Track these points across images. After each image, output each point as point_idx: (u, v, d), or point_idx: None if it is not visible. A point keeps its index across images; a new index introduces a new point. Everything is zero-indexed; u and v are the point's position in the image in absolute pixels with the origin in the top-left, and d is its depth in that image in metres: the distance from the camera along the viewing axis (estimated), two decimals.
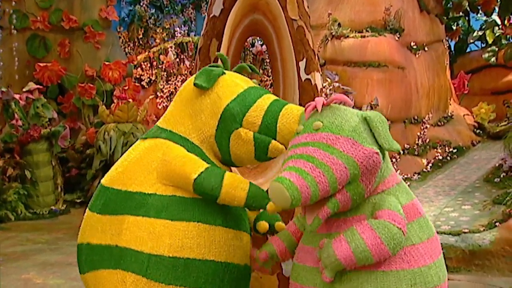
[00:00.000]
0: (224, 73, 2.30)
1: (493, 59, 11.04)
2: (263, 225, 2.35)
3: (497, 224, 4.93)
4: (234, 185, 2.12)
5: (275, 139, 2.18)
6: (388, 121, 8.26)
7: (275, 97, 2.27)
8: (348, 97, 7.47)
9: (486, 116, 10.20)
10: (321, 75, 3.42)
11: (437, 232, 2.06)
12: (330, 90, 7.67)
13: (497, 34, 11.07)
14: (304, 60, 3.27)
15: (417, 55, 8.81)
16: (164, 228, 2.10)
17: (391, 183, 2.00)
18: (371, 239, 1.79)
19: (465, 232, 4.87)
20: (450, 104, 10.16)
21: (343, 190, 1.86)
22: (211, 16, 3.23)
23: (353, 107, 6.74)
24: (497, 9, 10.78)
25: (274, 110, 2.19)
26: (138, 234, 2.12)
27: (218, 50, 3.20)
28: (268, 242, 2.29)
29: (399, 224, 1.81)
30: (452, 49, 12.26)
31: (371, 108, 7.65)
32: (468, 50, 12.46)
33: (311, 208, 1.89)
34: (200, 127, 2.25)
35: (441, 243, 2.19)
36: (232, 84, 2.26)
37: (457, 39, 11.96)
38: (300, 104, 3.24)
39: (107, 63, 9.09)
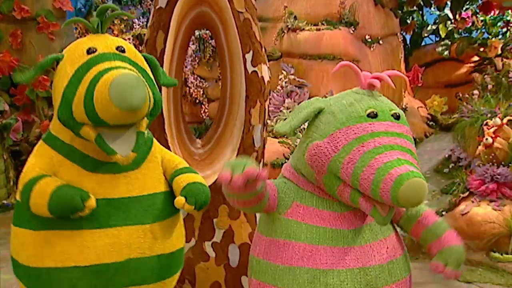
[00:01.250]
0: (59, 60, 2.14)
1: (446, 52, 11.25)
2: (180, 200, 2.18)
3: (443, 213, 5.07)
4: (40, 191, 2.01)
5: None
6: None
7: (97, 71, 2.00)
8: (303, 89, 7.55)
9: (439, 108, 10.41)
10: (268, 67, 3.44)
11: None
12: (285, 82, 7.72)
13: (449, 28, 11.28)
14: (251, 52, 3.29)
15: (372, 48, 8.92)
16: (29, 237, 2.09)
17: None
18: None
19: None
20: (405, 97, 10.32)
21: None
22: (157, 7, 3.22)
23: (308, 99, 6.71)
24: (449, 3, 10.99)
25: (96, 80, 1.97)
26: (14, 245, 2.15)
27: (165, 42, 3.20)
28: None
29: None
30: (408, 42, 12.45)
31: None
32: (423, 43, 12.65)
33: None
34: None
35: None
36: (63, 69, 2.10)
37: (412, 32, 12.14)
38: (247, 97, 3.27)
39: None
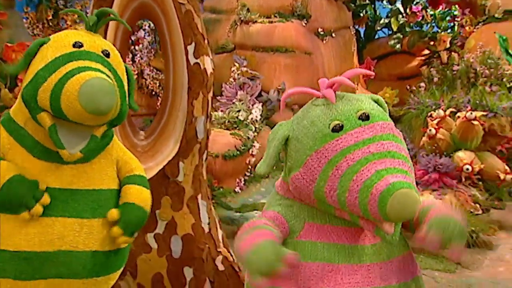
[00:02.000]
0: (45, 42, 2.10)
1: (398, 45, 11.46)
2: (113, 214, 2.13)
3: None
4: None
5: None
6: (296, 105, 8.41)
7: (75, 66, 1.96)
8: (256, 81, 7.58)
9: (390, 100, 10.59)
10: (211, 59, 3.45)
11: None
12: (238, 74, 7.74)
13: (401, 22, 11.49)
14: (193, 44, 3.29)
15: (324, 41, 9.00)
16: None
17: None
18: None
19: None
20: (357, 89, 10.47)
21: None
22: None
23: (260, 92, 6.79)
24: None
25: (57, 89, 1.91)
26: None
27: (105, 32, 3.17)
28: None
29: None
30: (362, 35, 12.62)
31: (278, 93, 7.77)
32: (376, 37, 12.84)
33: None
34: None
35: None
36: (44, 52, 2.06)
37: (365, 26, 12.31)
38: (189, 89, 3.27)
39: (9, 44, 8.68)
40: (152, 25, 11.12)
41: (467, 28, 9.63)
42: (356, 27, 12.11)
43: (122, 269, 2.34)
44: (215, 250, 3.48)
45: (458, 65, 7.67)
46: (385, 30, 12.61)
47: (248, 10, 8.23)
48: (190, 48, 3.26)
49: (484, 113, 6.28)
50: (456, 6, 9.95)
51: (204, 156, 3.45)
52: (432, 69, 8.18)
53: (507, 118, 6.47)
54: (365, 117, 1.72)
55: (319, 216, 1.83)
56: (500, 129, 6.39)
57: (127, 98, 2.17)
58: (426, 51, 11.35)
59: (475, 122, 6.02)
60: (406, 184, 1.55)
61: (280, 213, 1.87)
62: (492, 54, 7.60)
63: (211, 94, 3.43)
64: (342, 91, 1.92)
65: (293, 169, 1.79)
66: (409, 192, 1.54)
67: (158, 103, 11.09)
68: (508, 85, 7.13)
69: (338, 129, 1.69)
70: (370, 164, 1.59)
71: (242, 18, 8.16)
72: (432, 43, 10.92)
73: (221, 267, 3.52)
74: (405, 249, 1.88)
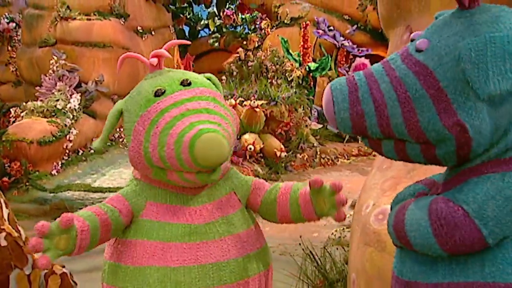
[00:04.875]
0: None
1: (216, 44, 11.81)
2: None
3: None
4: None
5: None
6: (115, 95, 8.27)
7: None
8: (74, 73, 7.37)
9: None
10: None
11: None
12: (57, 67, 7.49)
13: (218, 24, 11.84)
14: None
15: (144, 38, 9.00)
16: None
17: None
18: None
19: None
20: None
21: None
22: None
23: (79, 83, 6.60)
24: (215, 1, 11.53)
25: None
26: None
27: None
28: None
29: None
30: (187, 34, 12.79)
31: (96, 84, 7.65)
32: (200, 36, 13.11)
33: None
34: None
35: None
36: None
37: (188, 26, 12.50)
38: None
39: None
40: None
41: (268, 30, 10.19)
42: (181, 26, 12.26)
43: None
44: None
45: (252, 61, 8.12)
46: (207, 30, 12.92)
47: (68, 7, 7.96)
48: None
49: (266, 102, 6.73)
50: (257, 12, 10.48)
51: None
52: (231, 64, 8.56)
53: (286, 106, 7.01)
54: (187, 83, 1.64)
55: (160, 195, 1.70)
56: (279, 115, 6.91)
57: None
58: (241, 49, 11.84)
59: (258, 110, 6.44)
60: (213, 130, 1.48)
61: (121, 194, 1.72)
62: (278, 53, 8.15)
63: None
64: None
65: (128, 142, 1.68)
66: (214, 135, 1.47)
67: None
68: (288, 79, 7.70)
69: (160, 93, 1.60)
70: (185, 118, 1.53)
71: (61, 15, 7.90)
72: (244, 42, 11.39)
73: (3, 243, 3.44)
74: (246, 225, 1.74)
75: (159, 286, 1.60)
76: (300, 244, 2.85)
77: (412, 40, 1.21)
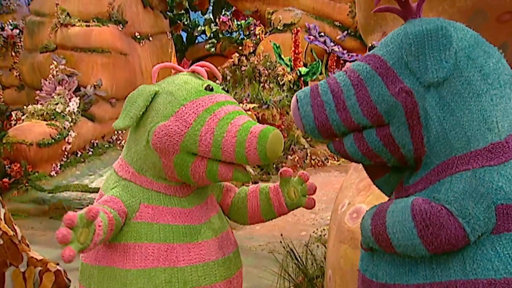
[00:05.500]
0: None
1: (213, 49, 11.86)
2: None
3: None
4: None
5: None
6: (113, 99, 8.30)
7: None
8: (73, 78, 7.41)
9: None
10: None
11: None
12: (56, 72, 7.53)
13: (214, 30, 11.90)
14: None
15: (141, 44, 9.04)
16: None
17: None
18: None
19: None
20: None
21: None
22: None
23: (78, 87, 6.63)
24: (211, 8, 11.58)
25: None
26: None
27: None
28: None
29: None
30: (184, 40, 12.85)
31: (94, 88, 7.69)
32: (197, 41, 13.16)
33: None
34: None
35: None
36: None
37: (186, 32, 12.55)
38: None
39: None
40: None
41: (262, 35, 10.25)
42: (178, 32, 12.31)
43: None
44: None
45: (246, 66, 8.17)
46: (204, 36, 12.98)
47: (68, 14, 8.01)
48: None
49: (258, 105, 6.78)
50: (251, 18, 10.53)
51: None
52: (225, 69, 8.61)
53: (277, 109, 7.06)
54: (226, 91, 1.79)
55: (154, 197, 1.67)
56: (271, 118, 6.96)
57: None
58: (236, 54, 11.90)
59: (249, 112, 6.49)
60: (273, 129, 1.55)
61: (115, 195, 1.66)
62: (271, 58, 8.21)
63: None
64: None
65: (159, 121, 1.60)
66: (280, 134, 1.53)
67: None
68: (280, 83, 7.75)
69: (210, 89, 1.62)
70: (242, 115, 1.57)
71: (61, 22, 7.94)
72: (240, 47, 11.44)
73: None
74: (227, 224, 1.79)
75: (167, 287, 1.59)
76: (280, 241, 2.89)
77: (374, 47, 1.30)
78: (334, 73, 9.03)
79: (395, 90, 1.16)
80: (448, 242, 1.04)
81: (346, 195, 2.42)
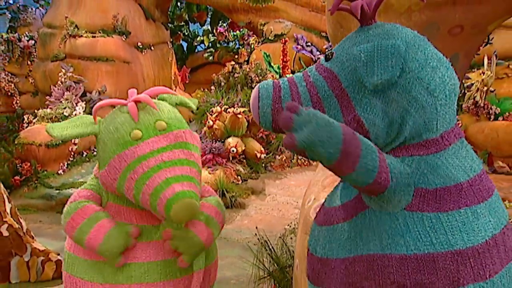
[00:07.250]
0: None
1: (211, 58, 11.89)
2: None
3: None
4: None
5: None
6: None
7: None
8: (79, 84, 7.46)
9: (201, 99, 10.99)
10: None
11: None
12: (64, 79, 7.58)
13: (212, 39, 11.93)
14: None
15: (143, 53, 9.09)
16: None
17: None
18: None
19: None
20: (176, 91, 10.71)
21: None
22: None
23: (84, 93, 6.68)
24: (209, 20, 11.62)
25: None
26: None
27: None
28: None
29: None
30: (185, 49, 12.88)
31: (99, 94, 7.75)
32: (196, 50, 13.20)
33: None
34: None
35: None
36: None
37: (186, 41, 12.59)
38: None
39: None
40: (5, 36, 10.44)
41: (256, 45, 10.30)
42: (179, 42, 12.34)
43: None
44: (1, 220, 3.50)
45: (238, 73, 8.23)
46: (203, 45, 13.02)
47: (76, 26, 8.07)
48: None
49: (249, 109, 6.81)
50: (246, 29, 10.58)
51: None
52: (220, 76, 8.66)
53: None
54: (162, 129, 1.60)
55: (119, 198, 1.71)
56: None
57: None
58: (232, 62, 11.93)
59: (240, 116, 6.54)
60: (188, 193, 1.49)
61: (92, 189, 1.75)
62: (261, 66, 8.27)
63: None
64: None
65: (101, 166, 1.66)
66: (189, 202, 1.47)
67: (14, 102, 10.54)
68: None
69: (137, 138, 1.57)
70: (161, 171, 1.50)
71: (70, 33, 8.00)
72: (236, 56, 11.48)
73: (5, 233, 3.55)
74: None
75: (112, 279, 1.64)
76: (256, 234, 2.95)
77: (332, 54, 1.32)
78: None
79: (348, 118, 1.18)
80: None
81: (312, 191, 2.48)
